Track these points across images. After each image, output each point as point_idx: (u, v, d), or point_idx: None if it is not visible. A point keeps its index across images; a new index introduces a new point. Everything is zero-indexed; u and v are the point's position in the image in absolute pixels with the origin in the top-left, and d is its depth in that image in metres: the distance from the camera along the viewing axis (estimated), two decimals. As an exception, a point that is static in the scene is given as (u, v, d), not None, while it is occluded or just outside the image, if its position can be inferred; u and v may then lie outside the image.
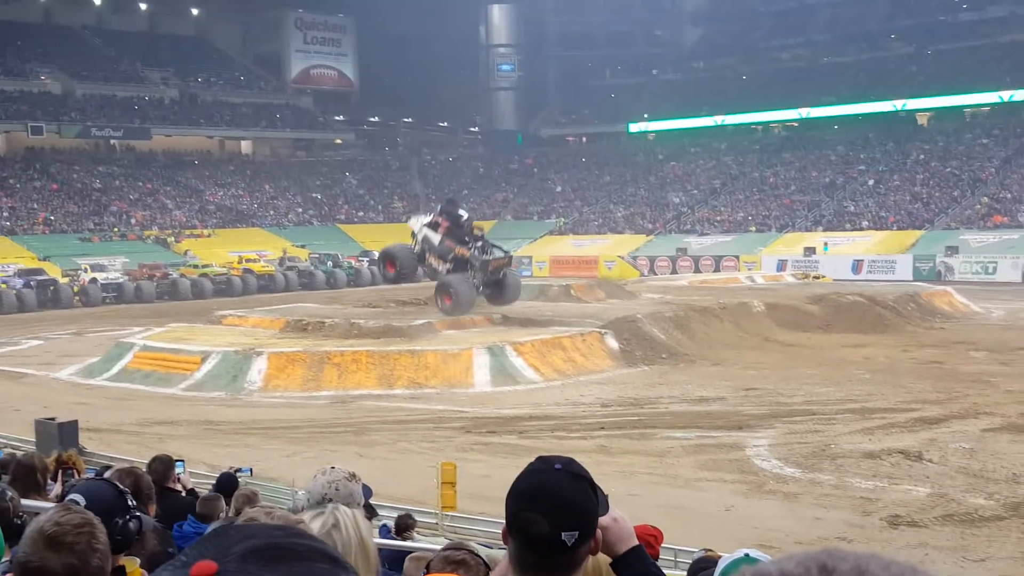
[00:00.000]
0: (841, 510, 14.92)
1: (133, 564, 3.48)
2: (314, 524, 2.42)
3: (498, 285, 32.21)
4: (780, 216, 71.07)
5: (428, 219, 33.31)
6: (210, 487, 9.99)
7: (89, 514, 2.61)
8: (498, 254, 32.44)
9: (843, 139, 78.26)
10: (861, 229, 65.96)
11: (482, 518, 13.87)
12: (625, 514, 2.55)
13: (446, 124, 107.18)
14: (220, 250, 63.87)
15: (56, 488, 6.13)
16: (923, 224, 64.48)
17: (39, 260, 58.17)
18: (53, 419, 17.47)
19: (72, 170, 73.59)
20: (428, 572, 3.69)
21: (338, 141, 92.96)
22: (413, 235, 33.36)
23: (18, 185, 69.70)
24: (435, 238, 32.11)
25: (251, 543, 0.85)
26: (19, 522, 3.09)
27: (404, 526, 10.45)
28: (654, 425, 21.25)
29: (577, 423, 21.62)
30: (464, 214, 32.91)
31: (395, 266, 33.13)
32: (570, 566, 2.20)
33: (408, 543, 8.81)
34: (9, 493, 3.71)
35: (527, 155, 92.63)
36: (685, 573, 5.66)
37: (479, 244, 32.10)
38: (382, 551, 6.41)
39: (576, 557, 2.20)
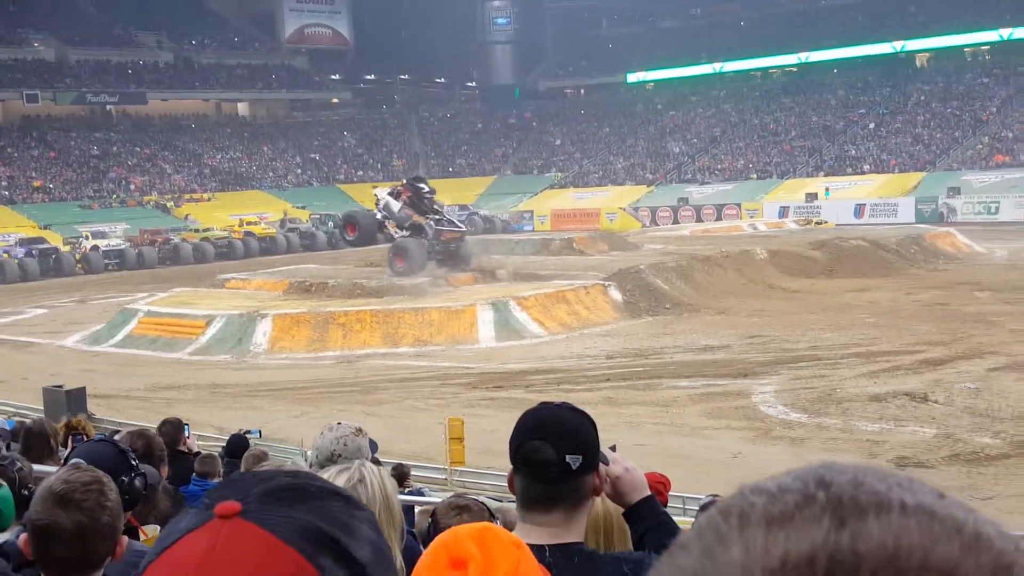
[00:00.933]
0: (848, 453, 14.98)
1: (155, 531, 3.50)
2: (339, 479, 2.43)
3: (451, 255, 33.33)
4: (781, 162, 70.81)
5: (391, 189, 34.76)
6: (219, 450, 10.04)
7: (99, 472, 2.62)
8: (454, 228, 33.79)
9: (843, 83, 77.79)
10: (863, 173, 65.73)
11: (490, 472, 13.96)
12: (636, 465, 2.58)
13: (443, 80, 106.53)
14: (220, 214, 63.78)
15: (66, 453, 6.16)
16: (925, 166, 64.23)
17: (40, 229, 58.12)
18: (61, 387, 17.54)
19: (69, 137, 73.33)
20: (434, 518, 3.73)
21: (335, 100, 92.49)
22: (376, 202, 34.44)
23: (16, 154, 69.49)
24: (395, 206, 33.26)
25: (269, 484, 0.89)
26: (27, 493, 3.10)
27: (400, 475, 10.55)
28: (659, 375, 21.31)
29: (583, 375, 21.69)
30: (426, 188, 34.10)
31: (356, 229, 34.26)
32: (576, 497, 2.24)
33: (417, 497, 8.87)
34: (19, 464, 3.72)
35: (525, 109, 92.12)
36: (694, 519, 5.69)
37: (436, 218, 33.24)
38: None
39: (581, 486, 2.24)
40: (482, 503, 3.81)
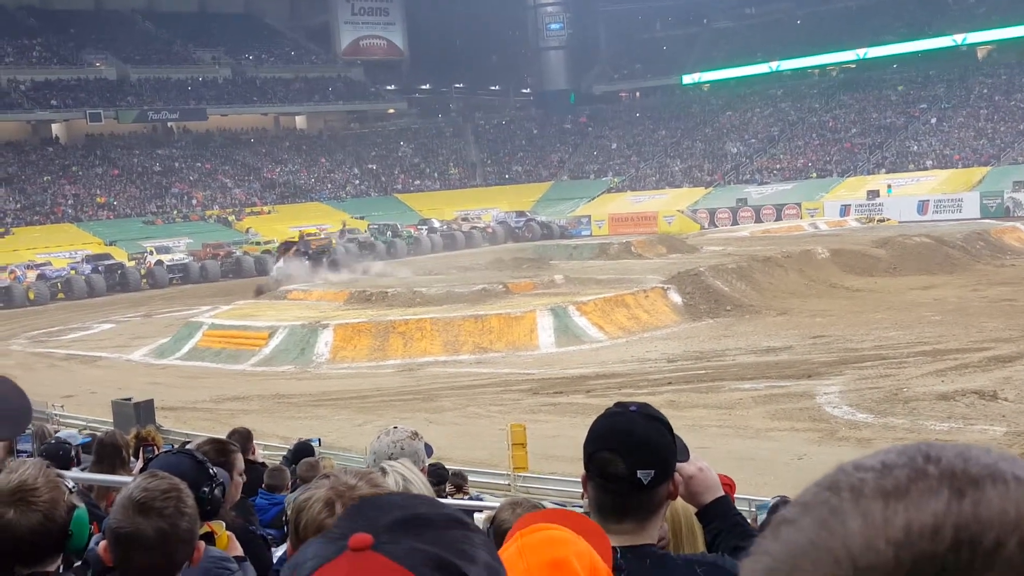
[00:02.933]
0: (916, 454, 14.71)
1: (220, 527, 3.55)
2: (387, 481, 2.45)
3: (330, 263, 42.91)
4: (841, 160, 69.94)
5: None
6: (280, 459, 10.14)
7: (175, 479, 2.67)
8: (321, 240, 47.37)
9: (903, 78, 76.65)
10: (925, 169, 64.68)
11: (553, 477, 13.94)
12: (718, 454, 2.55)
13: (497, 87, 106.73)
14: (281, 226, 64.44)
15: (138, 464, 6.26)
16: (989, 160, 63.04)
17: (105, 245, 59.17)
18: (129, 399, 17.82)
19: (132, 154, 74.64)
20: (495, 518, 3.75)
21: (391, 111, 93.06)
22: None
23: (80, 172, 70.89)
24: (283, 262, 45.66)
25: (396, 514, 0.94)
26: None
27: (455, 486, 10.57)
28: (722, 377, 21.14)
29: (644, 379, 21.58)
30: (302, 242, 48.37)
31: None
32: (648, 508, 2.20)
33: (474, 502, 8.89)
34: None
35: (580, 114, 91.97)
36: (761, 517, 5.63)
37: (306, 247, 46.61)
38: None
39: (654, 498, 2.20)
40: (535, 504, 3.81)
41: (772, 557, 0.61)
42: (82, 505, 2.87)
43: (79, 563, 2.91)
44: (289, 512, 2.59)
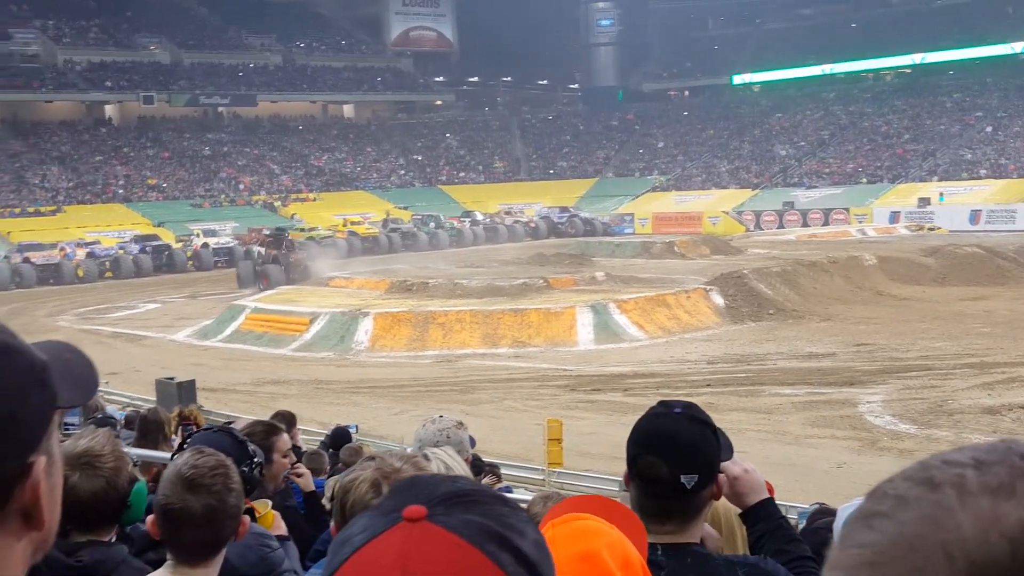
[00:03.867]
0: (958, 466, 14.51)
1: (265, 506, 3.59)
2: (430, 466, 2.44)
3: (298, 270, 42.09)
4: (892, 166, 69.15)
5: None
6: (317, 444, 10.18)
7: (222, 456, 2.71)
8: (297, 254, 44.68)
9: (959, 85, 75.61)
10: (979, 178, 63.77)
11: (588, 474, 13.89)
12: (756, 459, 2.50)
13: (546, 82, 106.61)
14: (325, 213, 64.82)
15: (177, 442, 6.32)
16: (1044, 171, 62.09)
17: (153, 226, 59.83)
18: (172, 379, 17.98)
19: (183, 138, 75.41)
20: (528, 509, 3.72)
21: (438, 102, 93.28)
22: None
23: (132, 154, 71.71)
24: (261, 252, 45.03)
25: (446, 489, 0.95)
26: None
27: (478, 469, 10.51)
28: (762, 382, 20.97)
29: (683, 380, 21.45)
30: (283, 234, 46.68)
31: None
32: (691, 511, 2.16)
33: (507, 495, 8.90)
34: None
35: (628, 111, 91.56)
36: (801, 522, 5.56)
37: (286, 252, 43.75)
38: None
39: (697, 501, 2.16)
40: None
41: (872, 550, 0.60)
42: (143, 479, 2.92)
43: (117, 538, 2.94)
44: (334, 492, 2.59)
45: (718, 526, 2.88)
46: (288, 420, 7.60)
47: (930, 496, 0.59)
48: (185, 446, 3.40)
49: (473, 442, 3.56)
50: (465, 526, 0.90)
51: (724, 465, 2.29)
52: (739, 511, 2.55)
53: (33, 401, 1.00)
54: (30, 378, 1.00)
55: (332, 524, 2.68)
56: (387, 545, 0.90)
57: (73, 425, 7.25)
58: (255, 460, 3.56)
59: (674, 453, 2.14)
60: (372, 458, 2.62)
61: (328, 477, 6.78)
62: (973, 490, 0.59)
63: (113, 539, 2.89)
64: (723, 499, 2.66)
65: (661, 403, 2.29)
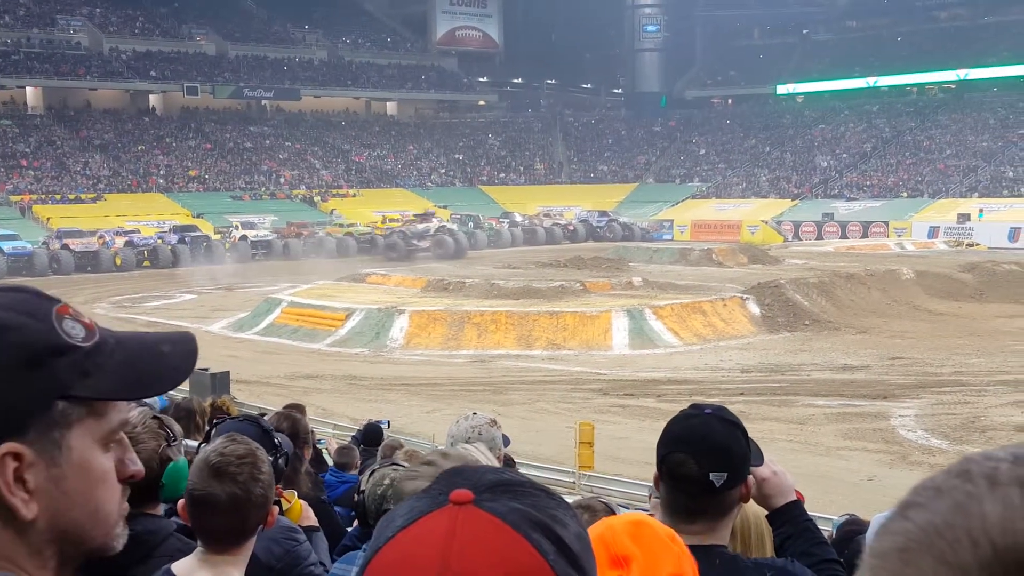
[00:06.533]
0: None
1: (292, 496, 3.61)
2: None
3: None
4: (933, 181, 68.50)
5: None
6: (350, 438, 10.25)
7: (253, 444, 2.72)
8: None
9: (1003, 102, 74.76)
10: (1020, 196, 63.04)
11: (618, 478, 13.89)
12: (786, 469, 2.52)
13: (589, 86, 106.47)
14: (365, 210, 65.08)
15: (207, 431, 6.41)
16: (1088, 191, 61.28)
17: (192, 217, 60.36)
18: (206, 370, 18.11)
19: (225, 130, 75.99)
20: None
21: (481, 103, 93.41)
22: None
23: (174, 144, 72.35)
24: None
25: (492, 476, 0.98)
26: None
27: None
28: (796, 392, 20.87)
29: (716, 388, 21.38)
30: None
31: None
32: (719, 510, 2.19)
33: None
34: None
35: (670, 117, 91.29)
36: (829, 533, 5.55)
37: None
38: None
39: (726, 500, 2.19)
40: (606, 505, 3.79)
41: (905, 537, 0.62)
42: (181, 457, 2.96)
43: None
44: (363, 487, 2.62)
45: (747, 531, 2.90)
46: (300, 411, 7.67)
47: (963, 487, 0.61)
48: (212, 434, 3.43)
49: (507, 441, 3.59)
50: (511, 512, 0.92)
51: (753, 468, 2.32)
52: (766, 513, 2.58)
53: (16, 384, 0.95)
54: (17, 359, 0.96)
55: (356, 521, 2.70)
56: (433, 525, 0.92)
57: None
58: (281, 451, 3.58)
59: (704, 451, 2.17)
60: (430, 463, 2.64)
61: (359, 472, 6.85)
62: (1004, 481, 0.60)
63: (162, 511, 2.97)
64: (754, 507, 2.69)
65: (692, 406, 2.33)
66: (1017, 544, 0.57)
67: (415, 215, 58.24)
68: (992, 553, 0.58)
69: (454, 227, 55.77)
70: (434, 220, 55.88)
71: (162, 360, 1.10)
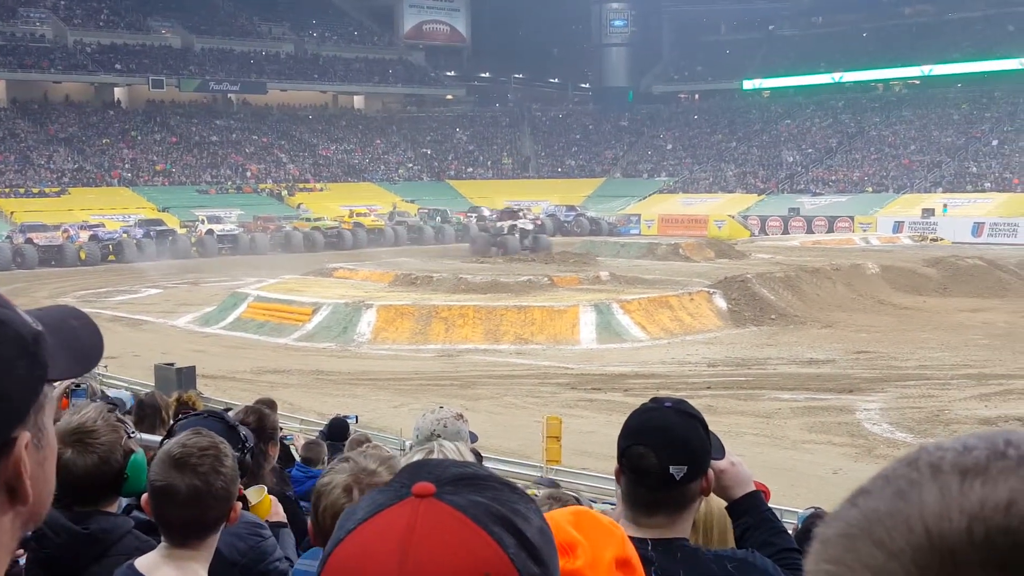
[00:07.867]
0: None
1: (261, 492, 3.58)
2: (417, 456, 2.45)
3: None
4: (898, 176, 69.13)
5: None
6: (318, 433, 10.21)
7: (217, 438, 2.68)
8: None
9: (966, 97, 75.56)
10: (983, 191, 63.75)
11: (586, 472, 13.93)
12: (743, 459, 2.53)
13: (557, 80, 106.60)
14: (332, 204, 64.83)
15: (171, 426, 6.35)
16: (1050, 186, 62.04)
17: (158, 211, 59.88)
18: (172, 364, 18.03)
19: (191, 123, 75.44)
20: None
21: (449, 97, 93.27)
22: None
23: (139, 137, 71.75)
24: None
25: (455, 471, 0.98)
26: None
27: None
28: (762, 386, 21.01)
29: (683, 382, 21.49)
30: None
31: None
32: (680, 503, 2.20)
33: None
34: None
35: (638, 112, 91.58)
36: (793, 526, 5.59)
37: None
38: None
39: (686, 493, 2.20)
40: (574, 497, 3.80)
41: (847, 523, 0.63)
42: (140, 450, 2.94)
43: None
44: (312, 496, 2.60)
45: (710, 525, 2.91)
46: (273, 407, 7.63)
47: (909, 474, 0.62)
48: (176, 430, 3.40)
49: (474, 437, 3.58)
50: (472, 506, 0.92)
51: (713, 461, 2.33)
52: (725, 504, 2.59)
53: (19, 374, 0.97)
54: (17, 350, 0.98)
55: (309, 523, 2.69)
56: (393, 518, 0.92)
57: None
58: (247, 445, 3.54)
59: (663, 444, 2.17)
60: (347, 460, 2.61)
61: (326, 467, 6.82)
62: (946, 469, 0.61)
63: (120, 507, 2.94)
64: (716, 501, 2.70)
65: (653, 399, 2.33)
66: (951, 531, 0.58)
67: (499, 211, 58.73)
68: (926, 539, 0.59)
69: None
70: (522, 214, 55.30)
71: (82, 333, 1.12)
